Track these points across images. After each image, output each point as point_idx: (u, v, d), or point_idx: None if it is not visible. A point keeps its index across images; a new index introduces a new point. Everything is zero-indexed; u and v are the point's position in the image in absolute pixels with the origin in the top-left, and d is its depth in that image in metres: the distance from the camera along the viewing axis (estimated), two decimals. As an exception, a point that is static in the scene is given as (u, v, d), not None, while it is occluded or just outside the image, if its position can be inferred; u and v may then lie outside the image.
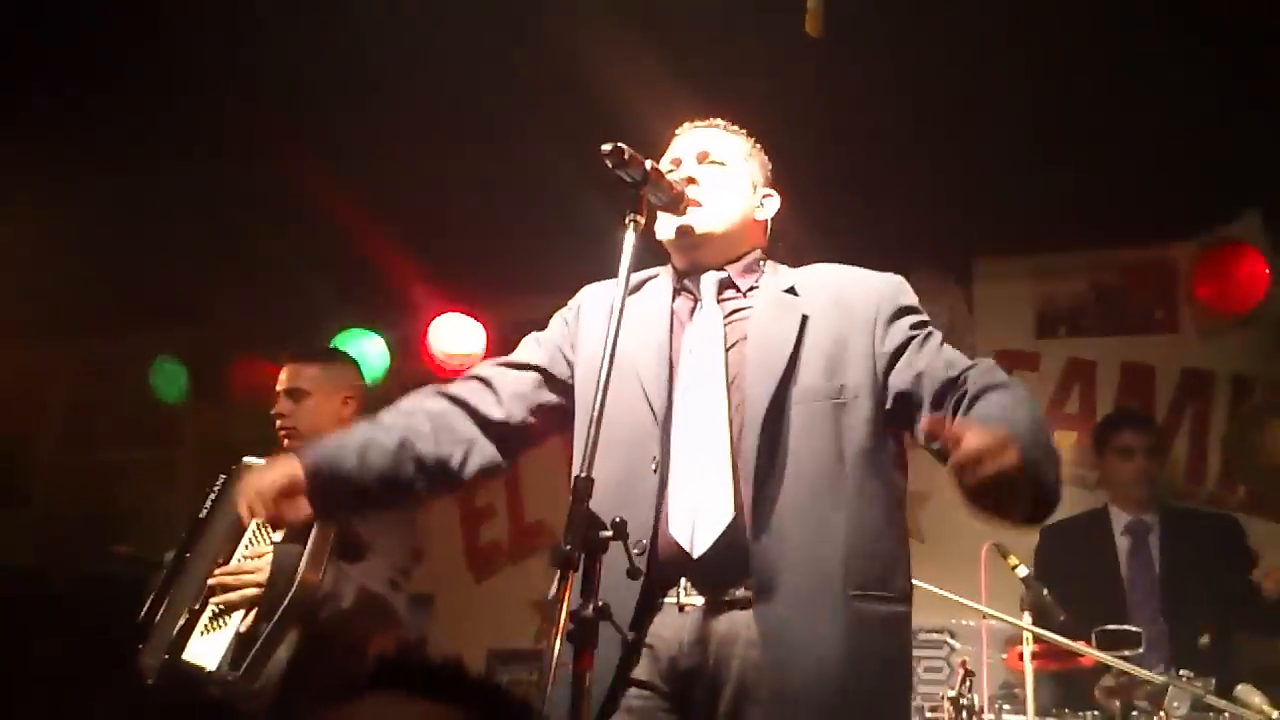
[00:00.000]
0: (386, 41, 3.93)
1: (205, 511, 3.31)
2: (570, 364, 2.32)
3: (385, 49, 3.96)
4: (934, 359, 2.12)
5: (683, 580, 2.03)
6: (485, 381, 2.32)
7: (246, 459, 3.35)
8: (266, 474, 2.14)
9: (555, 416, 2.31)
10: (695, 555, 1.99)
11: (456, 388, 2.32)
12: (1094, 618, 3.53)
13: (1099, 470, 4.53)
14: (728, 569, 2.00)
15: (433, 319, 5.61)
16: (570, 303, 2.41)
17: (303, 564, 3.01)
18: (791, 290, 2.23)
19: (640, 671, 1.99)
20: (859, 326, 2.16)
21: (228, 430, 5.92)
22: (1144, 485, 4.32)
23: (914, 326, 2.17)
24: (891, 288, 2.24)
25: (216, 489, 3.33)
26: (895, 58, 3.98)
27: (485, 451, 2.26)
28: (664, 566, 2.02)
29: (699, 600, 2.02)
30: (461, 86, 4.22)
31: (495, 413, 2.28)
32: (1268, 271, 4.62)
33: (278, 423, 3.53)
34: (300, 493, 2.12)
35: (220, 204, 4.99)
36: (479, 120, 4.38)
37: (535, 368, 2.33)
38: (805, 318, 2.16)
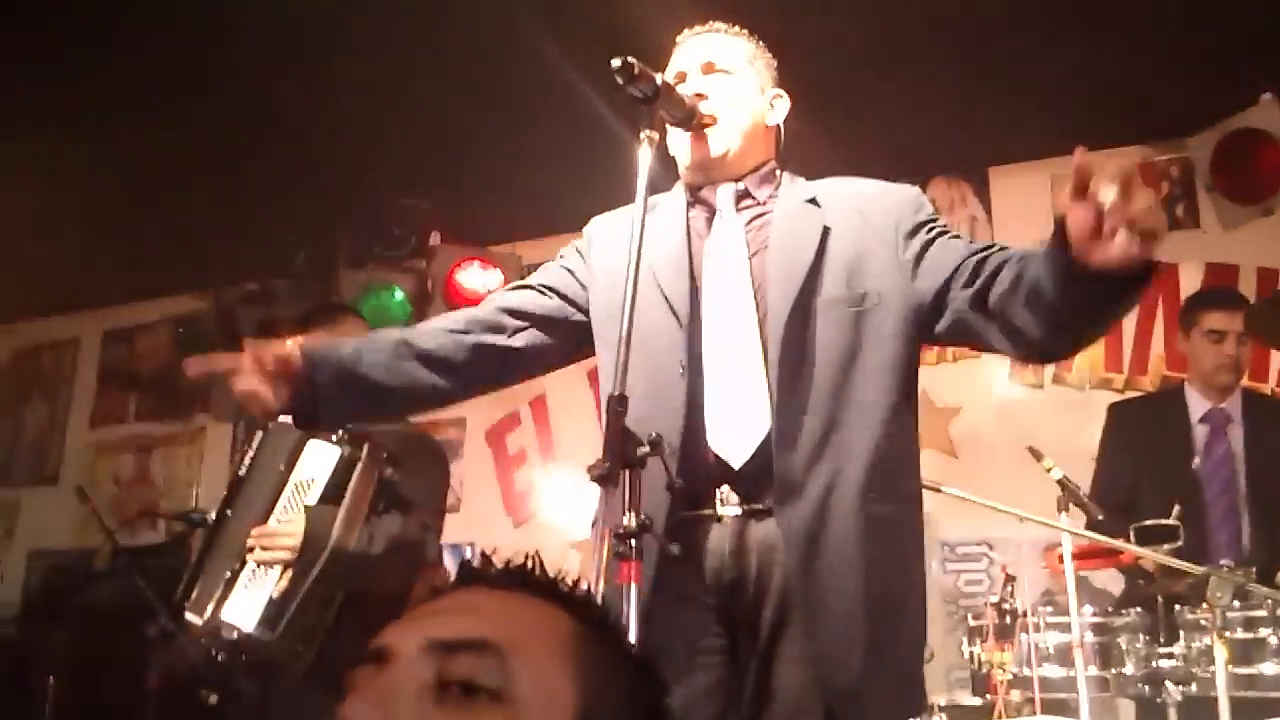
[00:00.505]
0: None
1: (244, 470, 3.34)
2: (584, 287, 2.31)
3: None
4: (963, 246, 2.12)
5: (719, 490, 2.03)
6: (494, 302, 2.33)
7: (282, 417, 3.37)
8: (264, 347, 2.06)
9: (564, 336, 2.31)
10: (736, 466, 2.01)
11: (464, 310, 2.33)
12: (1161, 509, 3.46)
13: (1183, 350, 4.20)
14: (764, 477, 2.01)
15: (453, 268, 5.60)
16: (583, 232, 2.40)
17: (337, 526, 3.05)
18: (813, 201, 2.22)
19: (684, 584, 2.00)
20: (881, 238, 2.16)
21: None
22: (1231, 371, 4.02)
23: (936, 231, 2.17)
24: (910, 199, 2.23)
25: (254, 447, 3.36)
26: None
27: (487, 358, 2.25)
28: (701, 477, 2.03)
29: (736, 510, 2.02)
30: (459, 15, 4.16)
31: (504, 323, 2.28)
32: (1288, 158, 4.55)
33: None
34: (292, 373, 2.06)
35: (235, 167, 4.98)
36: (482, 57, 4.33)
37: (547, 289, 2.33)
38: (827, 229, 2.15)
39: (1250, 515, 3.87)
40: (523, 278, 5.51)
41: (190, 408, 6.71)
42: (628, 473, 1.69)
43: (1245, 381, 4.19)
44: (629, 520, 1.66)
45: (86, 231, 5.41)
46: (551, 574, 1.01)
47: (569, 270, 2.35)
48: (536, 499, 5.82)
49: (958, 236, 2.18)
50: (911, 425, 2.14)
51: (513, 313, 2.29)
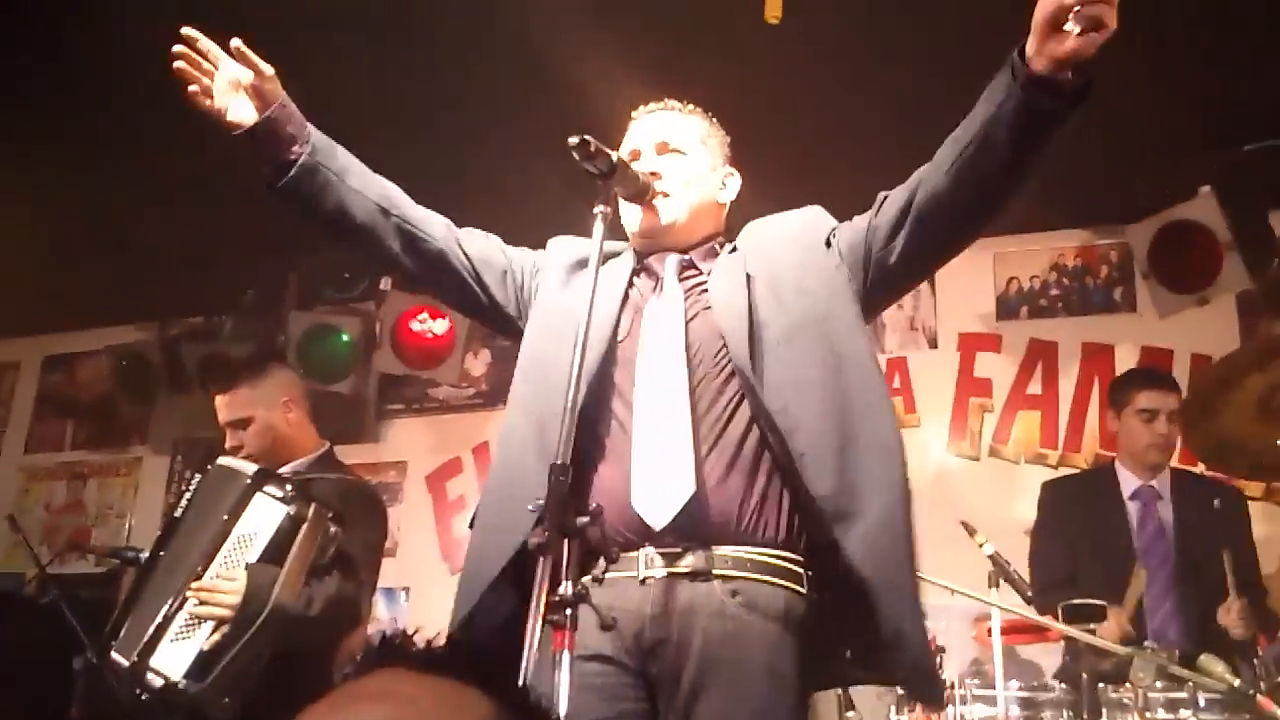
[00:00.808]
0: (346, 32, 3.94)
1: (180, 511, 3.31)
2: (519, 287, 2.39)
3: (345, 41, 3.97)
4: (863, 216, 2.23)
5: (643, 553, 2.04)
6: (458, 229, 2.41)
7: (221, 460, 3.35)
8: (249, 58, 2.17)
9: (464, 293, 2.40)
10: (656, 528, 2.01)
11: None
12: (1102, 581, 3.56)
13: (1114, 429, 4.31)
14: (687, 540, 2.03)
15: (403, 315, 5.61)
16: (546, 248, 2.46)
17: (277, 587, 3.03)
18: (735, 251, 2.30)
19: (604, 647, 2.00)
20: (810, 255, 2.25)
21: (193, 427, 5.93)
22: (1163, 450, 4.11)
23: (842, 226, 2.29)
24: (818, 214, 2.34)
25: (191, 489, 3.33)
26: (854, 44, 4.03)
27: (419, 246, 2.33)
28: (622, 540, 2.04)
29: (660, 572, 2.03)
30: (423, 77, 4.23)
31: (450, 239, 2.37)
32: (1221, 250, 4.68)
33: (239, 454, 3.53)
34: (266, 99, 2.18)
35: (186, 200, 4.97)
36: (441, 113, 4.40)
37: (496, 251, 2.42)
38: (749, 276, 2.21)
39: (1183, 590, 3.94)
40: (472, 328, 5.60)
41: (127, 438, 6.64)
42: (566, 541, 1.70)
43: (1173, 462, 4.28)
44: (565, 589, 1.67)
45: (33, 257, 5.35)
46: (473, 652, 1.01)
47: (520, 271, 2.41)
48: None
49: None
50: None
51: (461, 240, 2.38)
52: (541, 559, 1.66)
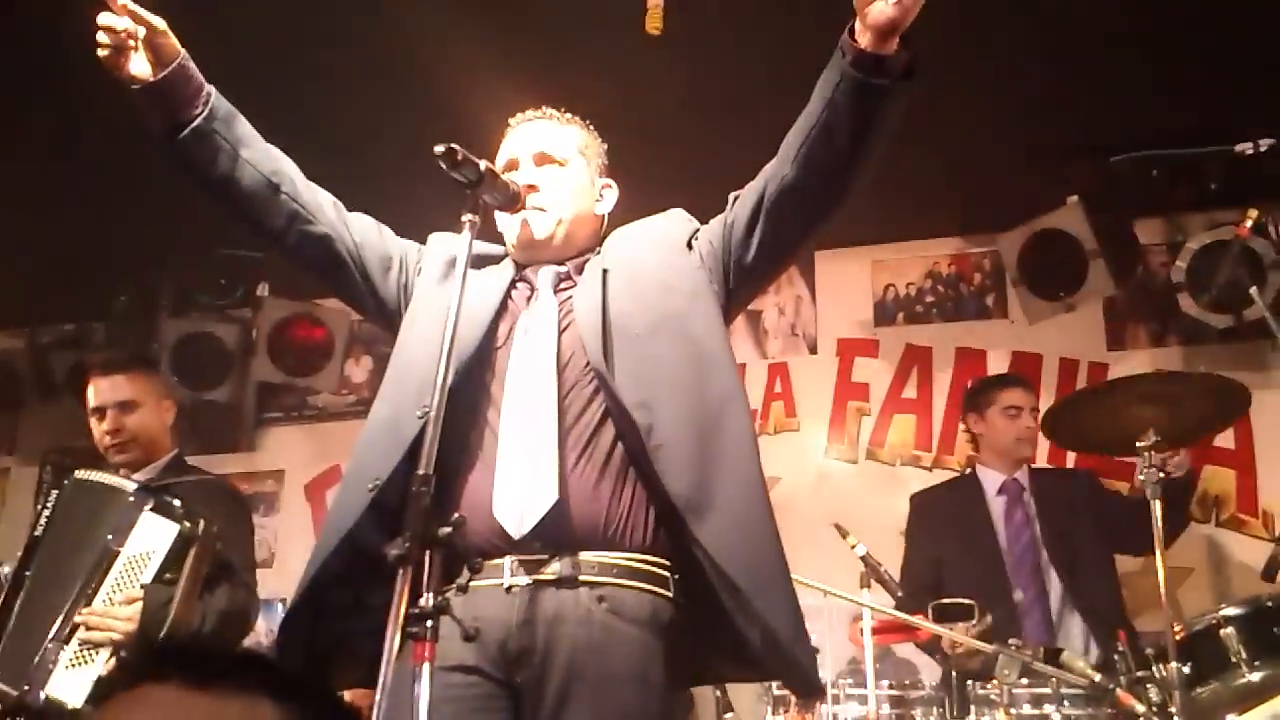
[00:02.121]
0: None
1: (41, 529, 3.20)
2: (403, 280, 2.38)
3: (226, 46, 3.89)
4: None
5: (507, 561, 2.04)
6: (342, 208, 2.40)
7: (79, 473, 3.26)
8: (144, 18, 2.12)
9: (342, 274, 2.38)
10: (516, 537, 2.01)
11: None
12: (973, 582, 3.67)
13: (980, 429, 4.39)
14: (553, 548, 2.03)
15: (281, 324, 5.53)
16: (426, 242, 2.45)
17: (174, 606, 2.97)
18: (598, 254, 2.32)
19: (468, 657, 1.98)
20: (671, 251, 2.28)
21: (63, 437, 5.76)
22: (1030, 443, 4.29)
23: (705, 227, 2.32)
24: (681, 216, 2.38)
25: (50, 505, 3.23)
26: (730, 54, 4.08)
27: (304, 226, 2.31)
28: (486, 548, 2.03)
29: (525, 580, 2.02)
30: (294, 84, 4.17)
31: (335, 219, 2.35)
32: (1088, 257, 4.83)
33: (109, 439, 3.45)
34: (160, 49, 2.14)
35: (54, 202, 4.82)
36: (310, 118, 4.34)
37: (383, 238, 2.41)
38: (605, 271, 2.24)
39: (1056, 573, 4.08)
40: (352, 334, 5.54)
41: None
42: (428, 552, 1.69)
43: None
44: (426, 601, 1.66)
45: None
46: (268, 664, 0.93)
47: (404, 262, 2.39)
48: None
49: None
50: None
51: (348, 224, 2.36)
52: (401, 570, 1.64)
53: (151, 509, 3.09)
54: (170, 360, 5.42)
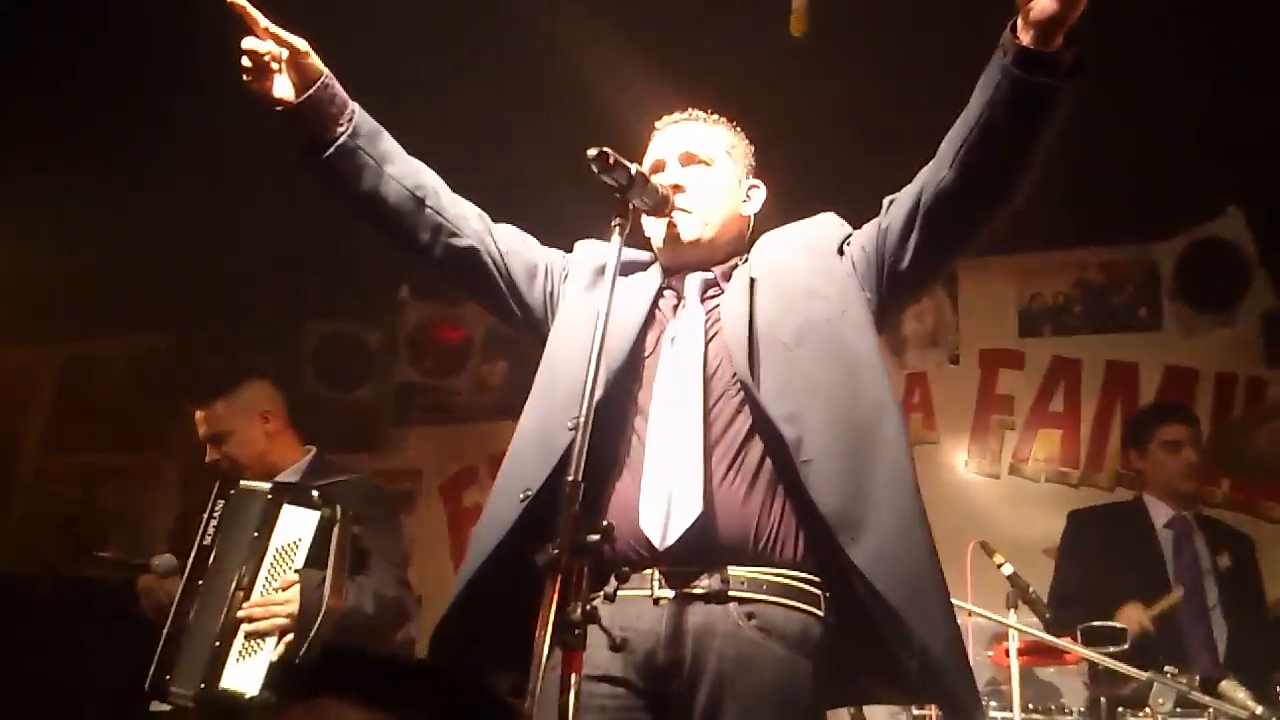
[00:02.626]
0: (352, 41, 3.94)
1: (209, 538, 3.27)
2: (549, 289, 2.37)
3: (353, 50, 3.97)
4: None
5: (654, 572, 2.00)
6: (493, 225, 2.38)
7: (244, 482, 3.35)
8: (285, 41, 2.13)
9: (492, 290, 2.37)
10: (661, 548, 1.98)
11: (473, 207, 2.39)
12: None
13: (1141, 465, 4.27)
14: (700, 561, 1.99)
15: (421, 326, 5.62)
16: (573, 249, 2.43)
17: (327, 588, 3.03)
18: (746, 262, 2.27)
19: (614, 668, 1.96)
20: (824, 261, 2.22)
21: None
22: (1192, 479, 4.13)
23: (858, 232, 2.26)
24: (834, 220, 2.32)
25: (217, 514, 3.30)
26: (874, 55, 4.01)
27: (450, 240, 2.31)
28: (632, 558, 2.00)
29: (674, 592, 1.99)
30: (440, 90, 4.23)
31: (483, 231, 2.35)
32: (1249, 270, 4.63)
33: (223, 467, 3.53)
34: (303, 70, 2.15)
35: (202, 206, 4.97)
36: (458, 125, 4.40)
37: (530, 248, 2.40)
38: (752, 280, 2.19)
39: (1221, 620, 3.93)
40: (490, 336, 5.59)
41: (144, 443, 6.63)
42: (577, 560, 1.67)
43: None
44: (575, 609, 1.63)
45: (55, 263, 5.37)
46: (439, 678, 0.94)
47: (551, 271, 2.38)
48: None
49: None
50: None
51: (493, 234, 2.35)
52: (550, 577, 1.62)
53: (289, 502, 3.18)
54: (314, 361, 5.55)
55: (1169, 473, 4.14)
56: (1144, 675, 3.16)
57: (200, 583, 3.20)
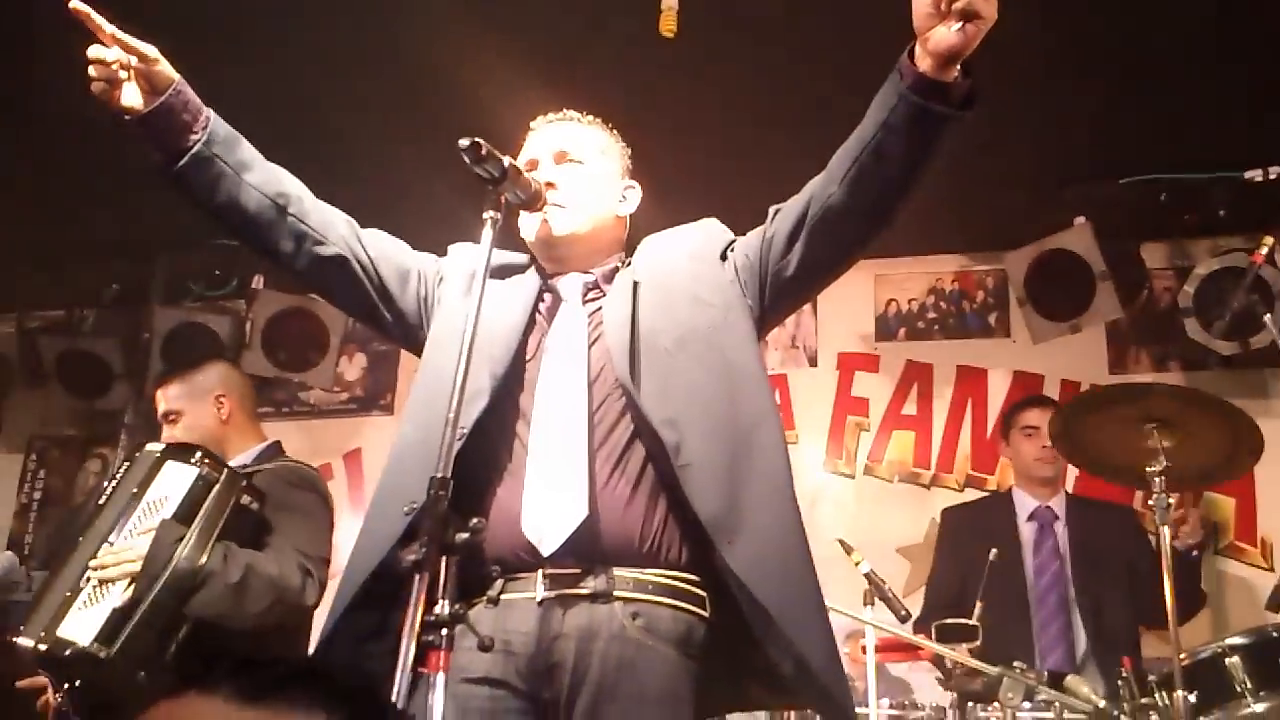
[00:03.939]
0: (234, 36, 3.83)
1: (105, 497, 3.19)
2: (423, 294, 2.32)
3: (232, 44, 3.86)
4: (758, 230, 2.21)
5: (539, 574, 1.98)
6: (359, 228, 2.33)
7: (150, 445, 3.28)
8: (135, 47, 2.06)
9: (359, 296, 2.32)
10: (545, 554, 1.96)
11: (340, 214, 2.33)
12: (992, 605, 3.59)
13: (1007, 456, 4.42)
14: (585, 563, 1.98)
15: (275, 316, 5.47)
16: (446, 253, 2.38)
17: (185, 545, 2.94)
18: (628, 266, 2.27)
19: (495, 670, 1.94)
20: (705, 267, 2.22)
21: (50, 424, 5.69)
22: (1048, 464, 4.20)
23: (740, 239, 2.27)
24: (716, 227, 2.32)
25: (119, 474, 3.23)
26: (748, 57, 4.03)
27: (314, 249, 2.25)
28: (516, 562, 1.98)
29: (558, 593, 1.97)
30: (312, 79, 4.13)
31: (349, 239, 2.29)
32: (1094, 279, 4.79)
33: None
34: (157, 84, 2.08)
35: (46, 188, 4.76)
36: (329, 116, 4.30)
37: (401, 253, 2.35)
38: (636, 284, 2.18)
39: (1080, 612, 4.01)
40: (347, 330, 5.48)
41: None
42: (444, 558, 1.63)
43: (1071, 488, 4.38)
44: (442, 608, 1.60)
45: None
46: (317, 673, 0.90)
47: (424, 276, 2.34)
48: (344, 555, 5.64)
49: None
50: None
51: (362, 240, 2.30)
52: (417, 576, 1.58)
53: (170, 458, 3.14)
54: (161, 350, 5.36)
55: (1026, 458, 4.26)
56: (994, 670, 3.24)
57: (80, 540, 3.11)
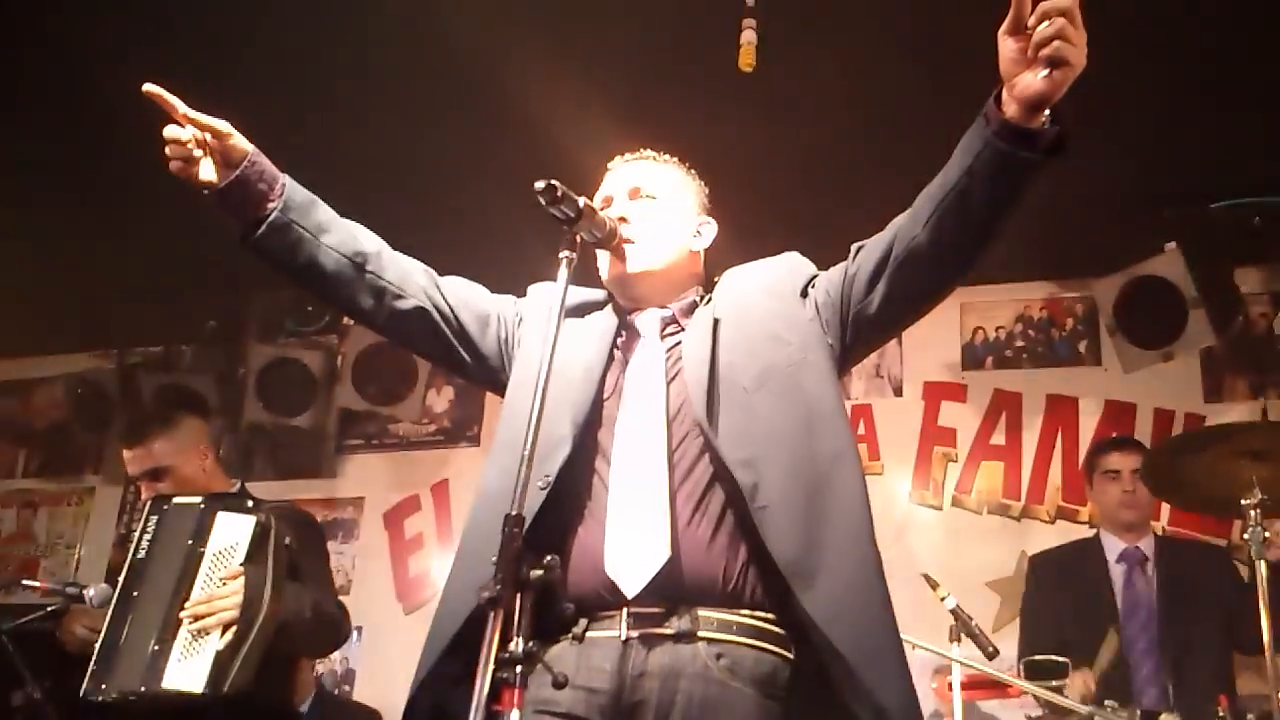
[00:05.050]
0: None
1: (143, 552, 3.24)
2: (504, 337, 2.35)
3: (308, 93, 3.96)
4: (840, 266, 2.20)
5: (623, 613, 1.97)
6: (438, 278, 2.36)
7: (176, 499, 3.33)
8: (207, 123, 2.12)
9: (444, 348, 2.35)
10: (629, 595, 1.96)
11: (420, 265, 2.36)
12: (1085, 648, 3.53)
13: (1092, 499, 4.40)
14: (669, 603, 1.97)
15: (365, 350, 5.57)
16: (526, 294, 2.42)
17: (269, 582, 3.08)
18: (708, 302, 2.26)
19: (578, 707, 1.93)
20: (785, 304, 2.21)
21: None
22: (1132, 507, 4.13)
23: (822, 275, 2.25)
24: (797, 261, 2.31)
25: (150, 529, 3.27)
26: (827, 93, 4.04)
27: (394, 304, 2.29)
28: (598, 601, 1.98)
29: (639, 633, 1.96)
30: (393, 125, 4.22)
31: (427, 290, 2.32)
32: (1187, 306, 4.70)
33: None
34: (233, 158, 2.13)
35: (147, 228, 4.90)
36: (413, 161, 4.39)
37: (480, 299, 2.38)
38: (716, 321, 2.17)
39: (1173, 652, 3.91)
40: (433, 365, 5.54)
41: (80, 467, 6.52)
42: (519, 596, 1.65)
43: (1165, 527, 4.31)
44: (516, 646, 1.61)
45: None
46: None
47: (504, 320, 2.36)
48: (431, 586, 5.72)
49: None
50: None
51: (441, 288, 2.33)
52: (492, 614, 1.60)
53: (224, 509, 3.21)
54: (256, 385, 5.49)
55: (1110, 500, 4.19)
56: (1085, 709, 3.18)
57: (135, 594, 3.16)
